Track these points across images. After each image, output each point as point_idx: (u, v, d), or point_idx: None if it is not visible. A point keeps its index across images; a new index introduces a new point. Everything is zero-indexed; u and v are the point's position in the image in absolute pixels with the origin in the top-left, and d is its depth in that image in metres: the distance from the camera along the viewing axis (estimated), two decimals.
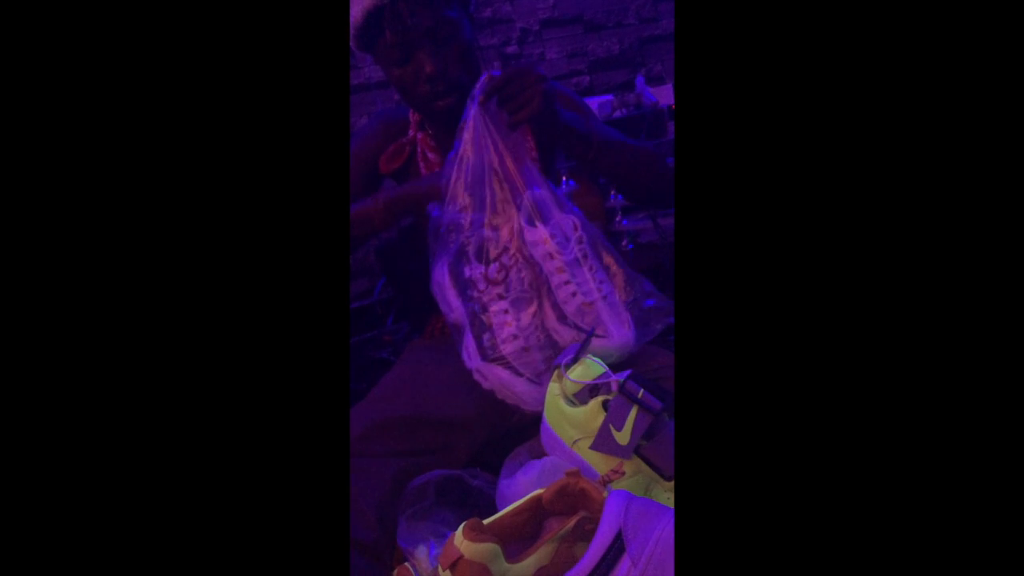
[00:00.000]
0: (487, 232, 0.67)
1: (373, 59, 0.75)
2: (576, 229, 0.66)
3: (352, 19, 0.70)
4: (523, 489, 0.53)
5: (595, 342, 0.63)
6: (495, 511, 0.52)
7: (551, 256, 0.66)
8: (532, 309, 0.67)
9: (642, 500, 0.39)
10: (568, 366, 0.60)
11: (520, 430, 0.68)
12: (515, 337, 0.66)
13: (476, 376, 0.66)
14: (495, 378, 0.65)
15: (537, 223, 0.66)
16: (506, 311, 0.67)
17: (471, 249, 0.67)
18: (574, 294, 0.65)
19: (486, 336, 0.66)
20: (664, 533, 0.35)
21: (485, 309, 0.66)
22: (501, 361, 0.65)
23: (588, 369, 0.59)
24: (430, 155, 0.80)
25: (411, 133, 0.81)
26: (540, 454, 0.62)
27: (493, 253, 0.68)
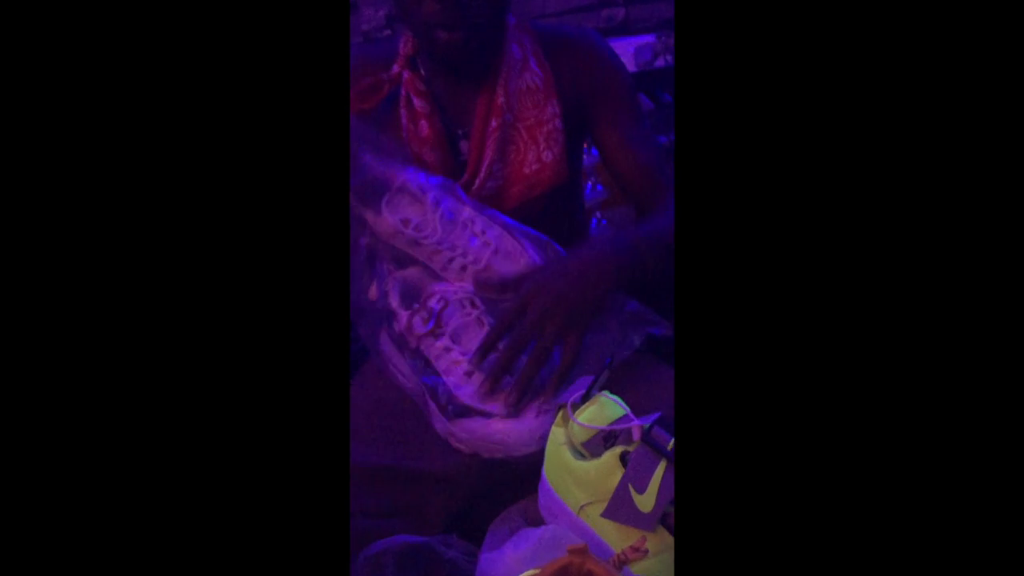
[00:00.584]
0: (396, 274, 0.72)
1: None
2: (436, 203, 0.71)
3: None
4: (512, 567, 0.54)
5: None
6: None
7: (416, 242, 0.70)
8: (476, 329, 0.68)
9: None
10: (576, 405, 0.60)
11: (511, 484, 0.69)
12: (469, 374, 0.67)
13: (452, 443, 0.67)
14: (468, 435, 0.66)
15: (383, 211, 0.71)
16: (448, 348, 0.68)
17: (394, 301, 0.71)
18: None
19: (440, 390, 0.68)
20: None
21: (427, 359, 0.69)
22: (466, 412, 0.66)
23: (602, 410, 0.59)
24: (416, 101, 0.80)
25: (396, 69, 0.81)
26: (537, 519, 0.63)
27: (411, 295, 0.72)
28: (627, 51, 1.79)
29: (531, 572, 0.47)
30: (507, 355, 0.67)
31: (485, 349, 0.68)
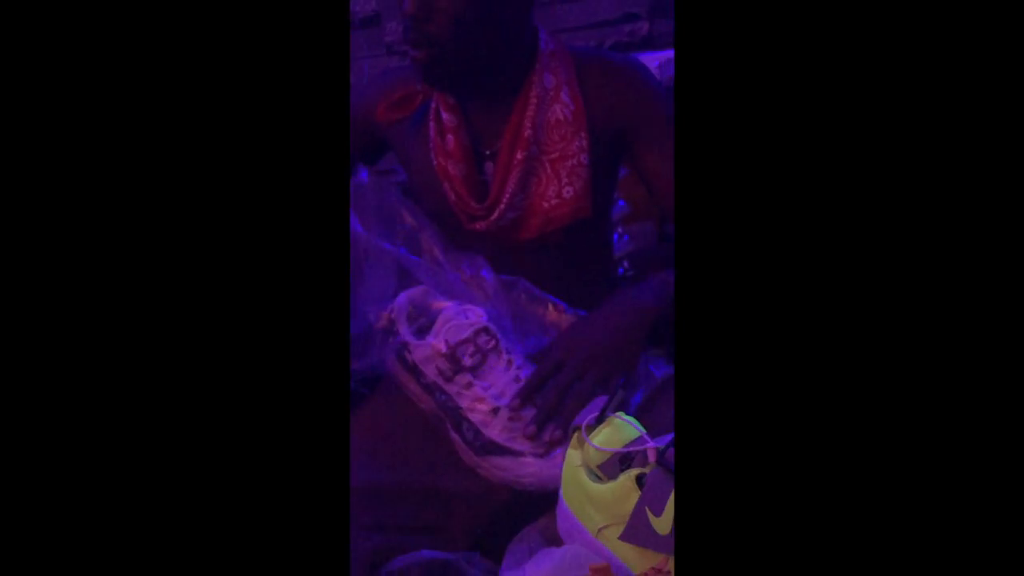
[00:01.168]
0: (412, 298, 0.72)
1: None
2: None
3: None
4: None
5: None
6: None
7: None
8: (502, 361, 0.68)
9: None
10: (591, 427, 0.60)
11: (530, 502, 0.69)
12: (495, 411, 0.67)
13: (480, 472, 0.68)
14: (498, 471, 0.67)
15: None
16: (469, 384, 0.68)
17: (400, 325, 0.71)
18: (495, 410, 0.68)
19: (465, 426, 0.68)
20: None
21: (449, 396, 0.69)
22: (495, 450, 0.67)
23: (617, 432, 0.59)
24: (445, 115, 0.81)
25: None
26: (555, 539, 0.63)
27: (425, 323, 0.71)
28: (651, 65, 1.78)
29: None
30: (552, 401, 0.68)
31: (525, 397, 0.69)
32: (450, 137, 0.81)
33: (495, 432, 0.67)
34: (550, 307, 0.79)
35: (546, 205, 0.80)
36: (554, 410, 0.68)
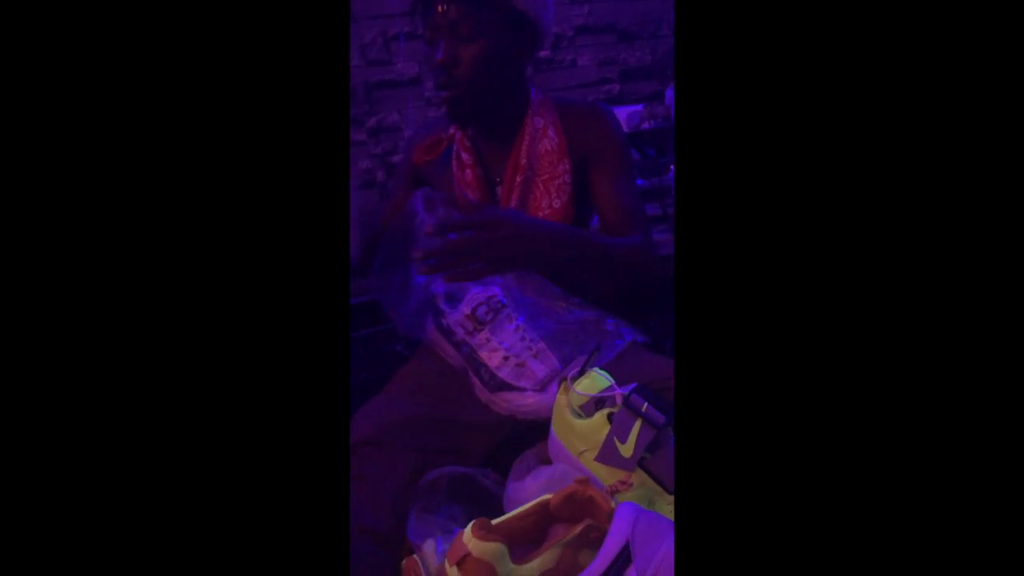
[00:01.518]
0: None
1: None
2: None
3: None
4: (531, 493, 0.55)
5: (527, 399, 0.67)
6: (502, 512, 0.54)
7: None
8: (513, 324, 0.70)
9: (650, 514, 0.41)
10: (575, 378, 0.62)
11: (529, 431, 0.70)
12: (506, 359, 0.69)
13: (492, 408, 0.69)
14: (505, 404, 0.68)
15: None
16: (488, 339, 0.71)
17: (441, 300, 0.72)
18: (506, 358, 0.68)
19: (483, 370, 0.70)
20: (670, 550, 0.37)
21: (472, 348, 0.71)
22: (504, 387, 0.68)
23: (594, 382, 0.61)
24: (463, 155, 0.84)
25: (451, 130, 0.85)
26: (547, 459, 0.64)
27: (459, 293, 0.73)
28: (621, 116, 1.79)
29: (546, 496, 0.49)
30: (455, 250, 0.63)
31: (444, 228, 0.64)
32: (468, 171, 0.84)
33: (505, 373, 0.69)
34: (555, 296, 0.80)
35: (541, 214, 0.82)
36: (450, 259, 0.63)
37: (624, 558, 0.37)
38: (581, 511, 0.47)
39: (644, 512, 0.41)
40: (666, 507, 0.54)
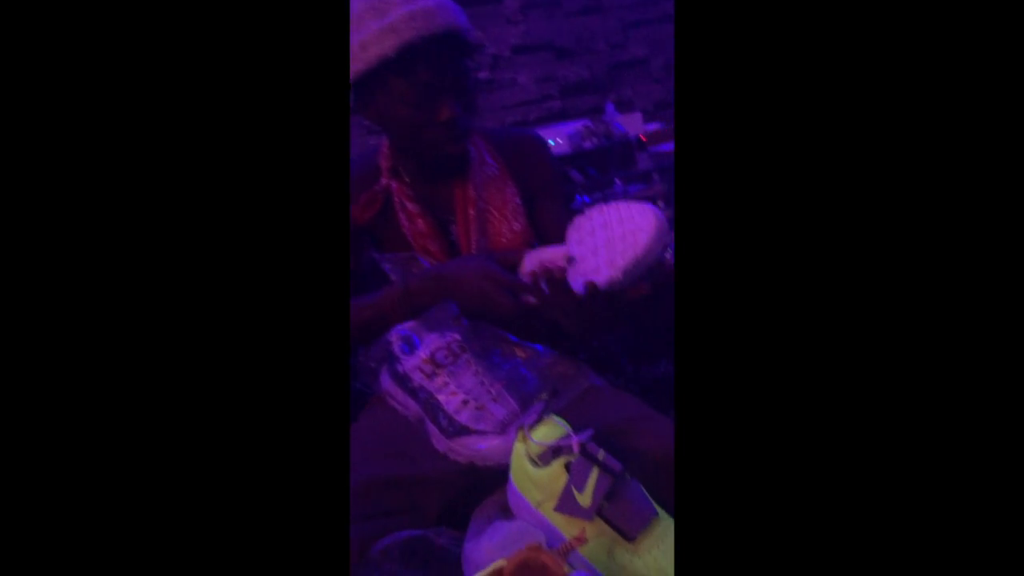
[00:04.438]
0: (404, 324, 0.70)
1: (367, 97, 0.75)
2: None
3: (379, 52, 0.71)
4: (487, 555, 0.54)
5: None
6: (460, 573, 0.52)
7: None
8: (471, 369, 0.69)
9: None
10: (532, 427, 0.61)
11: (488, 479, 0.69)
12: (465, 403, 0.67)
13: (451, 456, 0.67)
14: (464, 450, 0.66)
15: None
16: (446, 383, 0.69)
17: (395, 347, 0.71)
18: (465, 402, 0.67)
19: (441, 416, 0.68)
20: None
21: (430, 393, 0.69)
22: (464, 431, 0.66)
23: (551, 429, 0.60)
24: (408, 205, 0.81)
25: (383, 181, 0.81)
26: (507, 509, 0.63)
27: (415, 338, 0.71)
28: (563, 134, 1.81)
29: (500, 563, 0.47)
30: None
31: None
32: (419, 221, 0.81)
33: (464, 417, 0.67)
34: (510, 343, 0.79)
35: (504, 241, 0.81)
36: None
37: None
38: None
39: None
40: (626, 555, 0.53)
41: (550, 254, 0.70)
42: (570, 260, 0.68)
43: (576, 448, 0.57)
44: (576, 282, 0.66)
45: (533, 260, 0.71)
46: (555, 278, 0.67)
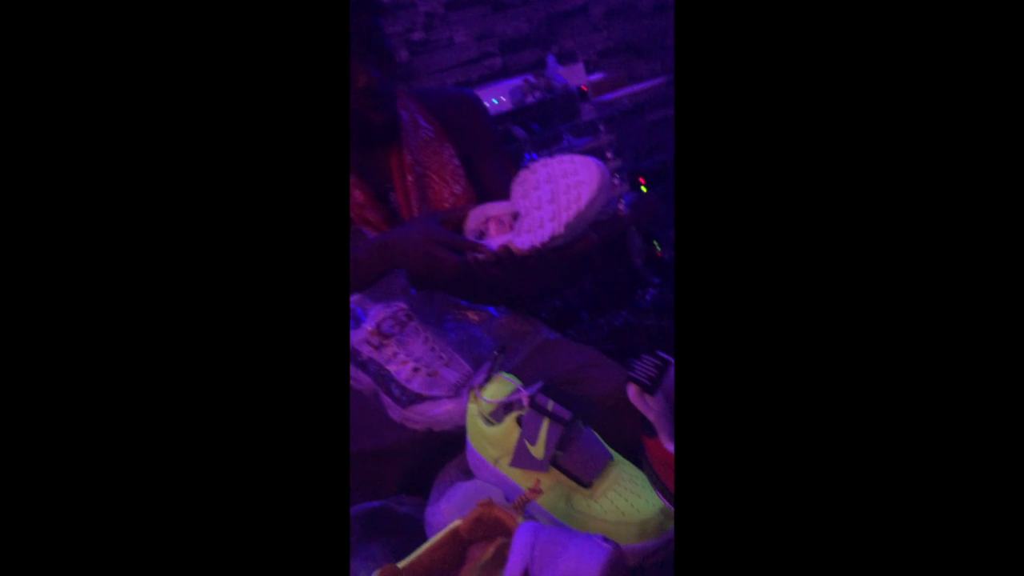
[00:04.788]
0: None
1: None
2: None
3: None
4: (447, 518, 0.54)
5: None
6: (425, 537, 0.53)
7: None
8: (420, 336, 0.68)
9: (550, 530, 0.40)
10: (481, 386, 0.60)
11: (447, 444, 0.69)
12: (416, 370, 0.67)
13: (407, 425, 0.67)
14: (420, 416, 0.66)
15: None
16: (395, 353, 0.68)
17: None
18: (416, 369, 0.66)
19: (393, 386, 0.67)
20: (569, 565, 0.36)
21: (380, 365, 0.68)
22: (417, 399, 0.66)
23: (500, 387, 0.59)
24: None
25: None
26: (467, 470, 0.63)
27: (360, 311, 0.70)
28: (505, 91, 1.77)
29: (455, 523, 0.47)
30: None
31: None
32: (357, 192, 0.78)
33: (416, 385, 0.67)
34: (463, 308, 0.78)
35: (446, 204, 0.79)
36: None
37: None
38: (492, 530, 0.45)
39: (543, 530, 0.40)
40: (584, 501, 0.54)
41: (495, 210, 0.68)
42: (515, 216, 0.67)
43: (526, 402, 0.57)
44: (521, 239, 0.65)
45: (478, 217, 0.69)
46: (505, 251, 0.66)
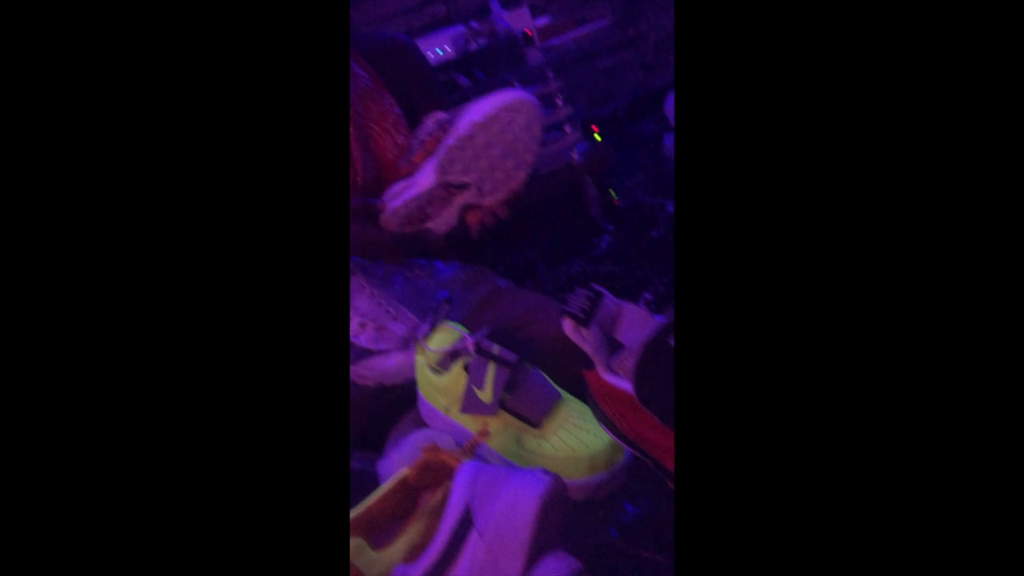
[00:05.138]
0: None
1: None
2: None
3: None
4: (397, 466, 0.53)
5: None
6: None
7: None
8: (365, 292, 0.67)
9: (491, 468, 0.40)
10: (427, 336, 0.60)
11: (400, 398, 0.68)
12: (363, 326, 0.66)
13: (358, 381, 0.66)
14: (369, 372, 0.65)
15: None
16: None
17: None
18: (363, 324, 0.65)
19: None
20: (508, 498, 0.37)
21: None
22: (365, 354, 0.65)
23: (446, 335, 0.59)
24: None
25: None
26: (422, 423, 0.63)
27: None
28: (447, 39, 1.70)
29: (403, 471, 0.47)
30: None
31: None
32: None
33: (364, 340, 0.66)
34: (413, 265, 0.77)
35: (389, 156, 0.76)
36: None
37: (465, 523, 0.36)
38: (440, 475, 0.45)
39: (484, 469, 0.40)
40: (534, 441, 0.54)
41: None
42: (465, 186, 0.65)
43: (471, 348, 0.56)
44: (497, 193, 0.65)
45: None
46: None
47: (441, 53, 1.67)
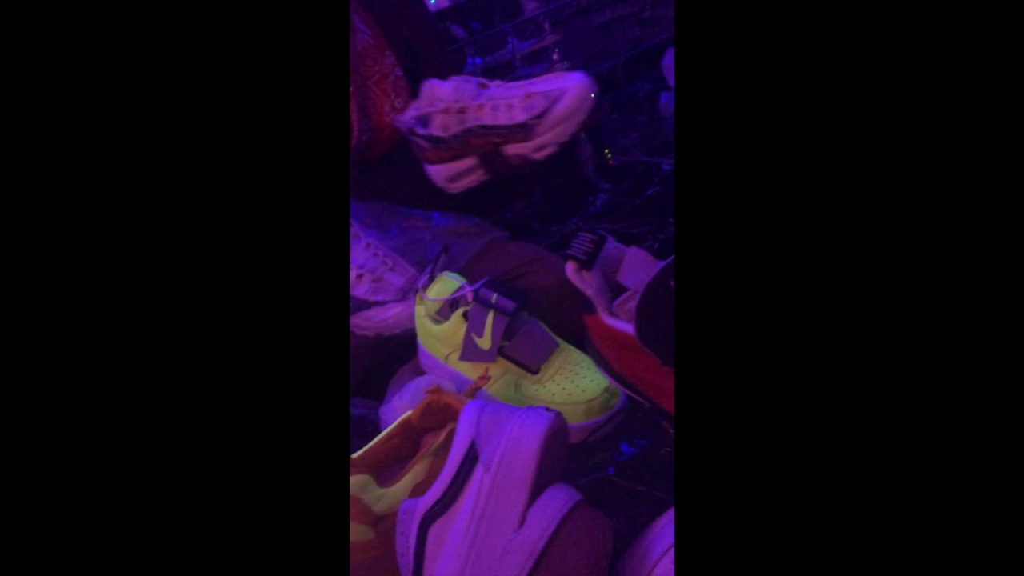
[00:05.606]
0: None
1: None
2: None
3: None
4: (400, 412, 0.55)
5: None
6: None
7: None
8: (361, 243, 0.67)
9: (494, 406, 0.41)
10: (426, 286, 0.60)
11: (400, 348, 0.69)
12: (360, 277, 0.66)
13: (357, 332, 0.66)
14: (367, 323, 0.66)
15: None
16: None
17: None
18: (360, 276, 0.65)
19: None
20: (512, 433, 0.38)
21: None
22: (363, 305, 0.66)
23: (445, 285, 0.59)
24: None
25: None
26: (421, 371, 0.64)
27: None
28: None
29: (407, 414, 0.48)
30: None
31: None
32: None
33: (361, 291, 0.67)
34: (410, 216, 0.76)
35: (387, 119, 0.75)
36: None
37: (471, 458, 0.37)
38: (443, 417, 0.47)
39: (488, 406, 0.41)
40: (532, 387, 0.56)
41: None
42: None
43: (470, 297, 0.57)
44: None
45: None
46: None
47: (434, 1, 1.62)
